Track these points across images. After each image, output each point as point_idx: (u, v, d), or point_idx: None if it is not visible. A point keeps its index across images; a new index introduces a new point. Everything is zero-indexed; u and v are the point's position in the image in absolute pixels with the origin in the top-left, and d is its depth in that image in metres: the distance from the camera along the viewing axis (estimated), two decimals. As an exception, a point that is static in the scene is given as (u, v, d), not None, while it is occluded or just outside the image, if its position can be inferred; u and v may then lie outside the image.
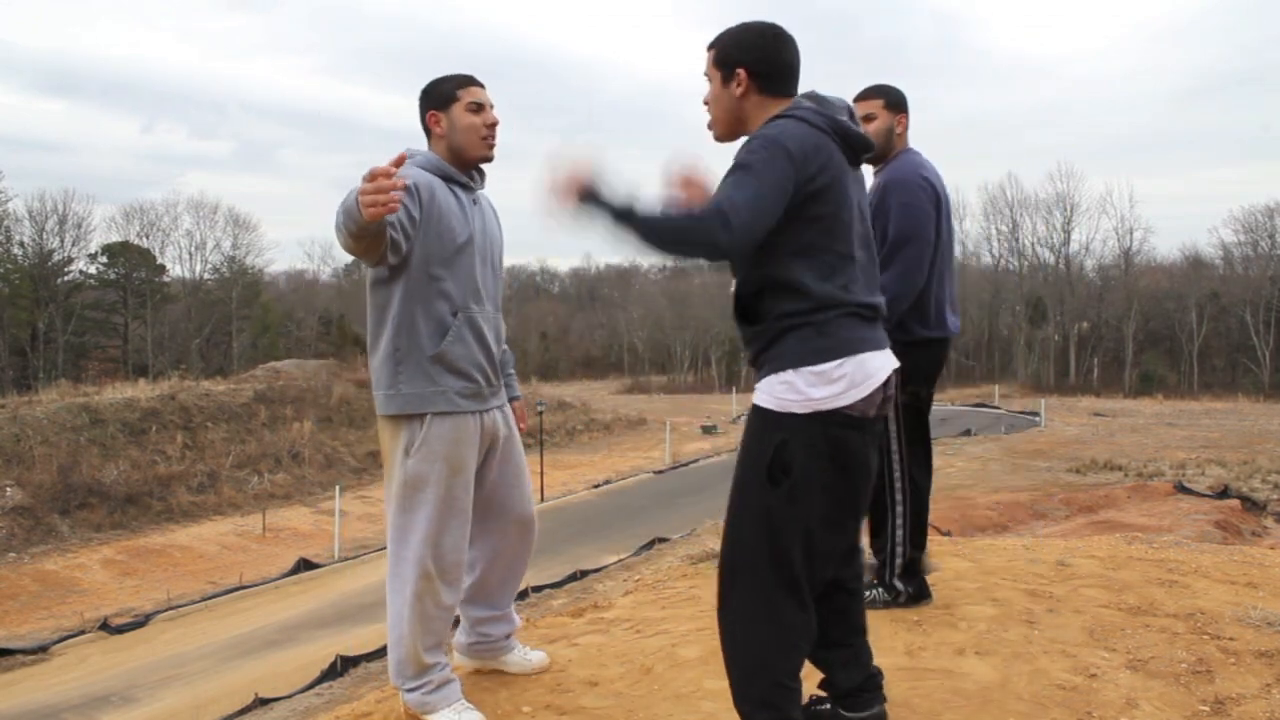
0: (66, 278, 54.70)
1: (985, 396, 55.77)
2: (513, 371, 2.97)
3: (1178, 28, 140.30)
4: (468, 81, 2.66)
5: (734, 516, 2.13)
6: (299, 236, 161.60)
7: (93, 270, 57.18)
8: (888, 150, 3.37)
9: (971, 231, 72.26)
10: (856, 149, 2.15)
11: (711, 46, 2.21)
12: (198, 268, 61.17)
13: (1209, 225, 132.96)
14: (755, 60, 2.14)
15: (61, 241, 54.37)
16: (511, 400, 2.92)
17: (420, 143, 2.73)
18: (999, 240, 71.98)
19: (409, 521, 2.57)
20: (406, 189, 2.45)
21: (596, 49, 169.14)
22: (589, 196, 1.96)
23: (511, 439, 2.81)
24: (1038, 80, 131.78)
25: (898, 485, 3.41)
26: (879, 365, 2.10)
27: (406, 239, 2.48)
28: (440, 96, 2.65)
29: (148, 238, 59.35)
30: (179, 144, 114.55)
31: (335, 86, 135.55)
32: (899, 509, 3.41)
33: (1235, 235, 67.09)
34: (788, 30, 2.19)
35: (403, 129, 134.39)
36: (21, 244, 53.17)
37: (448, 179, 2.62)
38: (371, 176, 2.14)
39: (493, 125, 2.66)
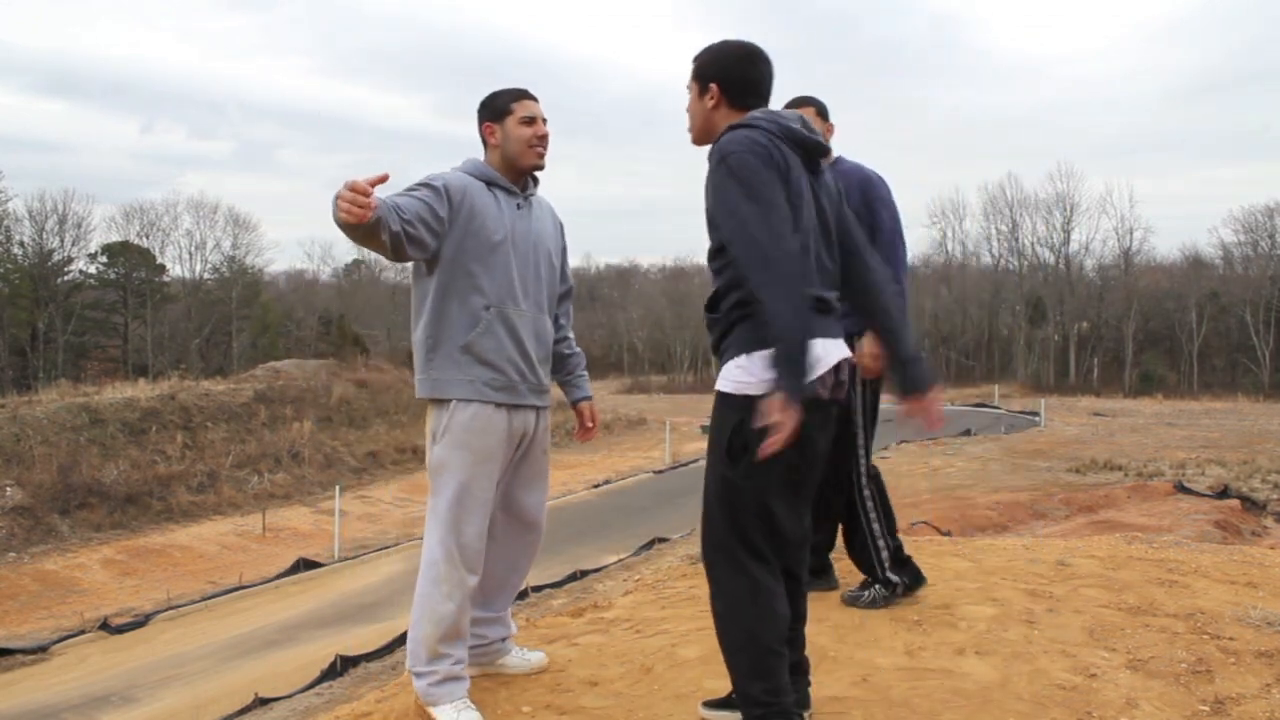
0: (66, 277, 54.65)
1: (985, 396, 55.74)
2: (584, 372, 3.05)
3: (1177, 27, 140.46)
4: (521, 95, 2.81)
5: (706, 497, 2.31)
6: (299, 236, 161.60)
7: (93, 270, 57.17)
8: None
9: (971, 231, 72.46)
10: (812, 153, 2.31)
11: (694, 60, 2.42)
12: (198, 268, 61.16)
13: (1209, 225, 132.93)
14: (726, 77, 2.36)
15: (61, 241, 54.36)
16: (582, 400, 3.02)
17: (476, 150, 2.86)
18: (999, 240, 72.05)
19: (434, 505, 2.68)
20: (435, 190, 2.62)
21: (596, 49, 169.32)
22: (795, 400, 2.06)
23: (540, 443, 2.85)
24: (1037, 80, 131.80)
25: (864, 480, 3.45)
26: (827, 351, 2.25)
27: (434, 236, 2.61)
28: (495, 109, 2.80)
29: (148, 238, 59.31)
30: (178, 144, 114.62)
31: (334, 86, 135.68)
32: (869, 504, 3.45)
33: (1235, 235, 67.10)
34: (763, 50, 2.40)
35: (401, 129, 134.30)
36: (21, 244, 53.16)
37: (490, 183, 2.76)
38: (349, 187, 2.30)
39: (543, 137, 2.80)
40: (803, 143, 2.27)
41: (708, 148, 2.34)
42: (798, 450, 2.17)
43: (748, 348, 2.21)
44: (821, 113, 3.51)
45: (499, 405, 2.69)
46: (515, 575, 2.92)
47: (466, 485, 2.64)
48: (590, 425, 3.02)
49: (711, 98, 2.36)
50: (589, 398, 3.04)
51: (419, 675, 2.67)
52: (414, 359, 2.75)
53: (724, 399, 2.26)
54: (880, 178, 3.52)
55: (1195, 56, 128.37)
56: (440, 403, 2.68)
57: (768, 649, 2.22)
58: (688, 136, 2.47)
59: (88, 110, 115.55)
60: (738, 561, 2.24)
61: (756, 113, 2.30)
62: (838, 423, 2.45)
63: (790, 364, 2.06)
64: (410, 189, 2.62)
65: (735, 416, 2.21)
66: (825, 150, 2.33)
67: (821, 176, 2.35)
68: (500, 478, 2.75)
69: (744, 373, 2.21)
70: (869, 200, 3.42)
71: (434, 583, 2.65)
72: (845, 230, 2.40)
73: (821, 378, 2.22)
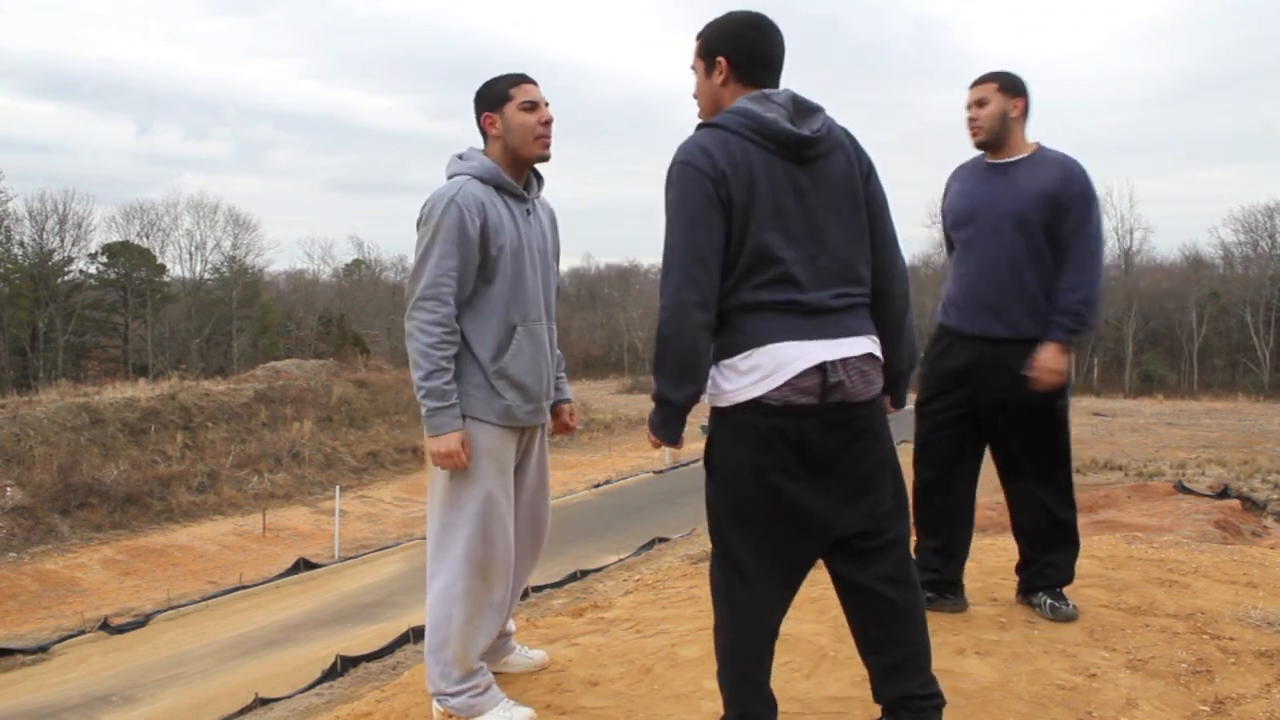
0: (66, 277, 54.62)
1: (985, 396, 55.74)
2: (564, 374, 2.92)
3: (1176, 25, 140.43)
4: (520, 80, 2.62)
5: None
6: (299, 236, 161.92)
7: (93, 270, 57.11)
8: (1004, 136, 3.21)
9: (971, 231, 71.88)
10: (795, 148, 2.12)
11: (698, 37, 2.27)
12: (198, 267, 61.12)
13: (1209, 225, 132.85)
14: (735, 49, 2.20)
15: (61, 241, 54.29)
16: (562, 402, 2.90)
17: (473, 146, 2.69)
18: (999, 240, 71.96)
19: (457, 518, 2.56)
20: (452, 245, 2.49)
21: (584, 52, 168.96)
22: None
23: (543, 442, 2.81)
24: (1036, 80, 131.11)
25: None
26: (797, 354, 2.07)
27: (461, 281, 2.54)
28: (493, 97, 2.61)
29: (148, 237, 59.25)
30: (175, 146, 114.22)
31: (329, 89, 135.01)
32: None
33: (1235, 235, 67.07)
34: (772, 20, 2.22)
35: (399, 129, 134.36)
36: (21, 244, 53.10)
37: (499, 187, 2.59)
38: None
39: (547, 123, 2.62)
40: (781, 139, 2.10)
41: None
42: (800, 461, 2.10)
43: (716, 358, 2.14)
44: (1006, 88, 3.18)
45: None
46: (520, 576, 2.91)
47: (494, 495, 2.56)
48: (572, 424, 2.93)
49: (720, 73, 2.20)
50: (569, 400, 2.94)
51: (453, 695, 2.57)
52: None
53: (709, 412, 2.22)
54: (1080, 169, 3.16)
55: (1195, 55, 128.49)
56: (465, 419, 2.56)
57: (742, 673, 2.18)
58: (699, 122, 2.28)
59: (82, 112, 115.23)
60: (718, 574, 2.20)
61: (737, 104, 2.14)
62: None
63: (661, 412, 2.14)
64: (437, 253, 2.48)
65: (710, 428, 2.19)
66: (810, 142, 2.13)
67: (821, 164, 2.15)
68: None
69: (712, 384, 2.14)
70: (1064, 201, 3.09)
71: (466, 595, 2.55)
72: (872, 218, 2.22)
73: (790, 383, 2.06)
